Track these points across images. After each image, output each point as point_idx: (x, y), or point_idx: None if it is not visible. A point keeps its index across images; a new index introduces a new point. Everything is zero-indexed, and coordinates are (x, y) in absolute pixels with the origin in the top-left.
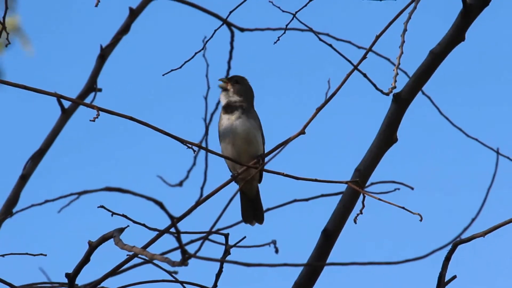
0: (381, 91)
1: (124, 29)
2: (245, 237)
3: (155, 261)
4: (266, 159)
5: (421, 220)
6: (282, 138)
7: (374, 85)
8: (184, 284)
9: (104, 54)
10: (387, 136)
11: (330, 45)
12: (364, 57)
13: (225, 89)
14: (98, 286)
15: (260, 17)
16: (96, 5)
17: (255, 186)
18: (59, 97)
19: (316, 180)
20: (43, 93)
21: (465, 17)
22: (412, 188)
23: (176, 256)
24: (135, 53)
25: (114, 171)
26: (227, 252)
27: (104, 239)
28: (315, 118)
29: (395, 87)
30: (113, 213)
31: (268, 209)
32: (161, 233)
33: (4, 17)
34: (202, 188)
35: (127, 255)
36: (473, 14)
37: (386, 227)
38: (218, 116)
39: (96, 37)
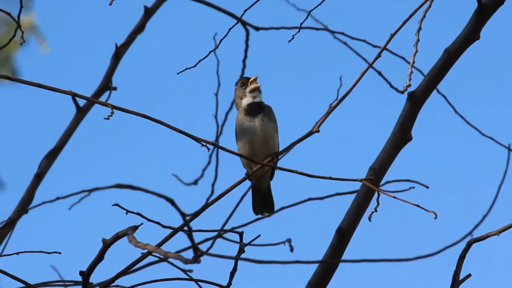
0: (396, 89)
1: (139, 28)
2: (259, 235)
3: (169, 259)
4: (280, 156)
5: (435, 218)
6: (296, 136)
7: (389, 83)
8: (199, 282)
9: (119, 53)
10: (401, 135)
11: (345, 43)
12: (378, 55)
13: (257, 90)
14: (112, 284)
15: (275, 15)
16: (111, 4)
17: (267, 182)
18: (74, 96)
19: (330, 178)
20: (58, 92)
21: (480, 15)
22: (427, 187)
23: (190, 254)
24: (149, 51)
25: (129, 170)
26: (241, 250)
27: (118, 237)
28: (329, 116)
29: (409, 86)
30: (128, 211)
31: (282, 208)
32: (174, 231)
33: (19, 15)
34: (213, 186)
35: (141, 253)
36: (488, 13)
37: (400, 226)
38: (233, 115)
39: (111, 35)
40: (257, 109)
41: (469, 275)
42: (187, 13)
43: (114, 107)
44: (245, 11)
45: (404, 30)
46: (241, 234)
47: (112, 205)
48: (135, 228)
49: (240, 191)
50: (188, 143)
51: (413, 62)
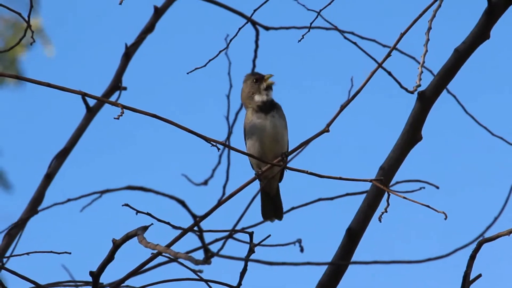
0: (406, 89)
1: (149, 28)
2: (269, 235)
3: (179, 260)
4: (290, 157)
5: (446, 219)
6: (306, 136)
7: (399, 83)
8: (209, 283)
9: (129, 53)
10: (411, 135)
11: (355, 43)
12: (388, 55)
13: (271, 87)
14: (123, 284)
15: (284, 15)
16: (120, 3)
17: (276, 184)
18: (84, 95)
19: (340, 178)
20: (68, 91)
21: (489, 15)
22: (437, 187)
23: (200, 255)
24: (159, 51)
25: (138, 170)
26: (251, 251)
27: (128, 237)
28: (339, 116)
29: (420, 85)
30: (138, 211)
31: (292, 208)
32: (184, 231)
33: (29, 16)
34: (224, 187)
35: (151, 253)
36: (498, 12)
37: (411, 226)
38: (243, 115)
39: (120, 35)
40: (269, 106)
41: (479, 275)
42: (197, 12)
43: (124, 107)
44: (254, 10)
45: (414, 30)
46: (251, 235)
47: (122, 205)
48: (145, 228)
49: (249, 192)
50: (198, 143)
51: (423, 62)
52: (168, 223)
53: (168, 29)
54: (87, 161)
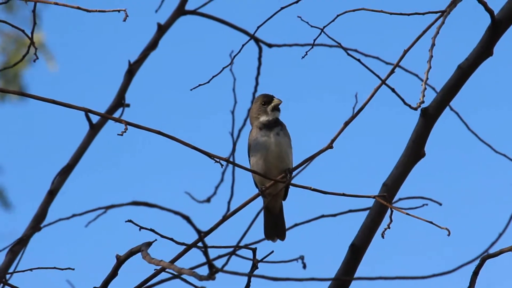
0: (409, 106)
1: (152, 45)
2: (272, 251)
3: (183, 276)
4: (294, 173)
5: (449, 235)
6: (310, 153)
7: (402, 100)
8: None
9: (132, 70)
10: (414, 151)
11: (359, 60)
12: (392, 72)
13: (277, 109)
14: None
15: (288, 32)
16: (125, 20)
17: (279, 202)
18: (87, 111)
19: (343, 195)
20: (71, 108)
21: (493, 32)
22: (440, 204)
23: (204, 271)
24: (163, 68)
25: (141, 186)
26: (254, 267)
27: (131, 253)
28: (343, 132)
29: (423, 102)
30: (141, 227)
31: (296, 224)
32: (188, 247)
33: (32, 32)
34: (229, 203)
35: (155, 269)
36: (501, 29)
37: (414, 243)
38: (247, 132)
39: (124, 53)
40: (274, 124)
41: None
42: (200, 30)
43: (128, 123)
44: (258, 27)
45: (417, 46)
46: (254, 251)
47: (126, 221)
48: (149, 244)
49: (252, 209)
50: (202, 160)
51: (427, 79)
52: (171, 239)
53: (172, 46)
54: (90, 178)
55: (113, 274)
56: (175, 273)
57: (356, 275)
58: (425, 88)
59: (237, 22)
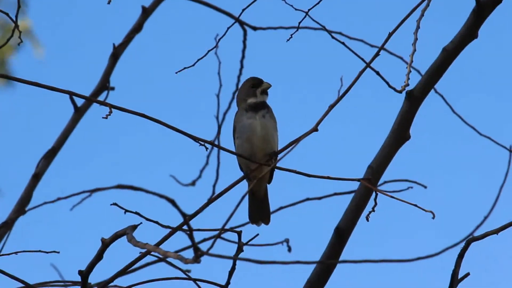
0: (394, 89)
1: (137, 28)
2: (257, 234)
3: (168, 259)
4: (279, 156)
5: (433, 218)
6: (295, 136)
7: (387, 83)
8: (197, 282)
9: (116, 53)
10: (399, 134)
11: (343, 43)
12: (376, 54)
13: (265, 92)
14: (111, 283)
15: (272, 15)
16: (109, 3)
17: (264, 186)
18: (71, 95)
19: (328, 178)
20: (56, 91)
21: (478, 14)
22: (425, 187)
23: (190, 254)
24: (147, 51)
25: (126, 170)
26: (240, 249)
27: (117, 236)
28: (328, 115)
29: (408, 85)
30: (126, 211)
31: (280, 208)
32: (174, 230)
33: (16, 15)
34: (214, 186)
35: (140, 252)
36: (486, 11)
37: (399, 226)
38: (232, 115)
39: (108, 36)
40: (260, 106)
41: (467, 274)
42: (185, 12)
43: (112, 106)
44: (243, 10)
45: (402, 30)
46: (239, 234)
47: (111, 204)
48: (134, 227)
49: (237, 193)
50: (187, 143)
51: (411, 61)
52: (157, 222)
53: (156, 29)
54: (75, 161)
55: (98, 257)
56: (161, 256)
57: (341, 259)
58: (410, 71)
59: (222, 5)
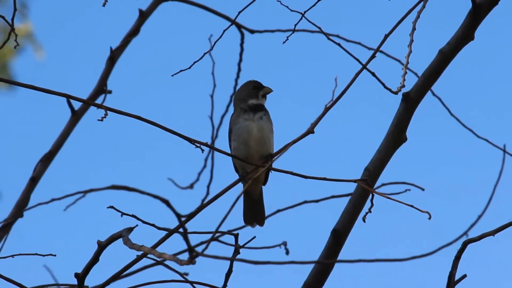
0: (390, 90)
1: (134, 31)
2: (254, 237)
3: (164, 262)
4: (275, 158)
5: (430, 218)
6: (291, 138)
7: (383, 84)
8: (194, 284)
9: (114, 56)
10: (396, 136)
11: (339, 44)
12: (373, 56)
13: (265, 96)
14: (108, 286)
15: (269, 17)
16: (104, 5)
17: (259, 187)
18: (68, 97)
19: (324, 179)
20: (52, 93)
21: (474, 16)
22: (423, 189)
23: (186, 257)
24: (144, 54)
25: (123, 173)
26: (237, 252)
27: (113, 238)
28: (324, 117)
29: (404, 86)
30: (123, 213)
31: (278, 211)
32: (170, 232)
33: (12, 18)
34: (208, 187)
35: (136, 255)
36: (482, 13)
37: (395, 228)
38: (228, 118)
39: (106, 39)
40: (259, 108)
41: (464, 276)
42: (182, 16)
43: (108, 109)
44: (239, 13)
45: (399, 33)
46: (236, 236)
47: (107, 207)
48: (130, 230)
49: (233, 195)
50: (183, 145)
51: (407, 63)
52: (152, 225)
53: (153, 32)
54: (72, 164)
55: (95, 260)
56: (157, 258)
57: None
58: (406, 72)
59: (220, 8)
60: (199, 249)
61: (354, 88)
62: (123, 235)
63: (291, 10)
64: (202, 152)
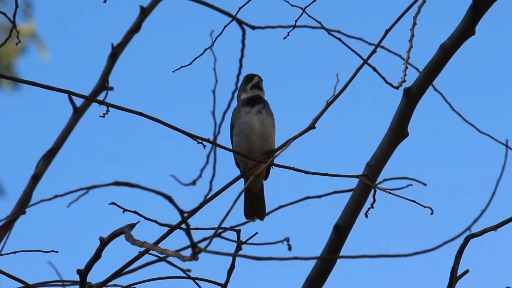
0: (391, 85)
1: (135, 28)
2: (256, 233)
3: (167, 258)
4: (277, 153)
5: (432, 214)
6: (292, 133)
7: (384, 79)
8: (196, 281)
9: (115, 53)
10: (398, 131)
11: (340, 40)
12: (374, 51)
13: (258, 86)
14: (110, 283)
15: (269, 12)
16: (105, 1)
17: (260, 182)
18: (70, 94)
19: (326, 174)
20: (54, 90)
21: (475, 11)
22: (425, 184)
23: (188, 253)
24: (146, 51)
25: (126, 169)
26: (239, 248)
27: (115, 235)
28: (326, 112)
29: (405, 81)
30: (125, 210)
31: (280, 206)
32: (172, 228)
33: (14, 16)
34: (211, 183)
35: (138, 251)
36: (483, 8)
37: (398, 223)
38: (230, 115)
39: (107, 36)
40: (256, 101)
41: (467, 271)
42: (183, 12)
43: (109, 105)
44: (239, 8)
45: (400, 28)
46: (238, 232)
47: (109, 203)
48: (132, 226)
49: (234, 191)
50: (185, 141)
51: (408, 58)
52: (155, 221)
53: (155, 29)
54: (74, 161)
55: (97, 256)
56: (159, 255)
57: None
58: (407, 67)
59: (221, 4)
60: (201, 245)
61: (355, 84)
62: (125, 231)
63: (292, 5)
64: (204, 148)
